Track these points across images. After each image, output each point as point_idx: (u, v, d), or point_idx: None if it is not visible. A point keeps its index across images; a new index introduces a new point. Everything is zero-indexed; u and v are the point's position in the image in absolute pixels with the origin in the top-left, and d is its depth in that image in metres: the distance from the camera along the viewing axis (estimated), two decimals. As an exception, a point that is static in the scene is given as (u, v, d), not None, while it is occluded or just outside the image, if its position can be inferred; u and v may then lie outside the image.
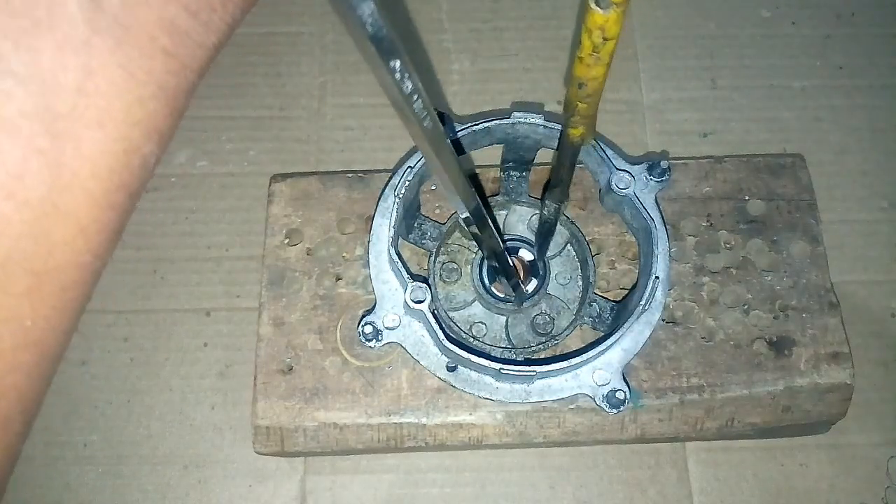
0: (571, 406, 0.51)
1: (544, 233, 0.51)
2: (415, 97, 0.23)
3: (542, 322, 0.53)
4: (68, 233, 0.21)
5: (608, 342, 0.46)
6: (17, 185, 0.19)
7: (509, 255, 0.48)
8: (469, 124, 0.50)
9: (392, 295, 0.49)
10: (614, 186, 0.49)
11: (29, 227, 0.20)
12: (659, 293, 0.48)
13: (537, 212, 0.55)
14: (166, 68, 0.21)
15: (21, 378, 0.23)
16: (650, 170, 0.49)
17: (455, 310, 0.54)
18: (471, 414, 0.51)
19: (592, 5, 0.25)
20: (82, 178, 0.21)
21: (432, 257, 0.54)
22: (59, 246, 0.21)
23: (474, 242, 0.42)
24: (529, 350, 0.52)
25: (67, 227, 0.21)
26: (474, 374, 0.48)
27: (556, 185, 0.44)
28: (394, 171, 0.50)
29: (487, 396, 0.48)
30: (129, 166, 0.22)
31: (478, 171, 0.58)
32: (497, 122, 0.50)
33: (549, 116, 0.49)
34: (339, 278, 0.55)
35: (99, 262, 0.23)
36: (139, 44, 0.20)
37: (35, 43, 0.18)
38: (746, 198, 0.56)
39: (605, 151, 0.49)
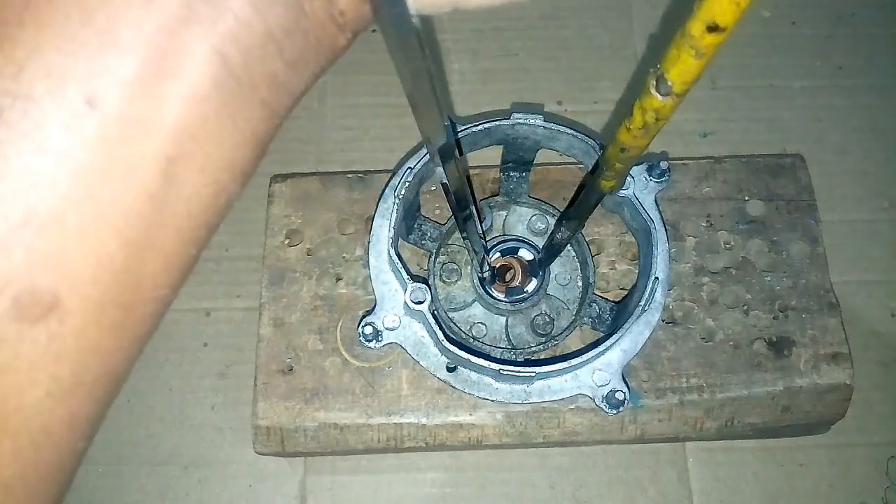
0: (571, 406, 0.51)
1: (552, 252, 0.51)
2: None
3: (541, 322, 0.53)
4: (156, 268, 0.22)
5: (608, 343, 0.46)
6: (124, 226, 0.20)
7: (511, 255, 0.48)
8: (469, 125, 0.50)
9: (392, 296, 0.49)
10: (614, 187, 0.49)
11: (126, 263, 0.21)
12: (658, 294, 0.48)
13: (537, 212, 0.56)
14: (261, 116, 0.22)
15: (95, 407, 0.23)
16: (650, 170, 0.49)
17: (455, 310, 0.54)
18: (471, 414, 0.51)
19: (652, 90, 0.26)
20: (178, 218, 0.22)
21: (432, 258, 0.54)
22: (146, 280, 0.22)
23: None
24: (529, 351, 0.52)
25: (156, 263, 0.22)
26: (474, 375, 0.48)
27: (574, 218, 0.45)
28: (394, 172, 0.50)
29: (487, 397, 0.48)
30: (216, 206, 0.23)
31: (478, 171, 0.58)
32: (497, 122, 0.50)
33: (549, 117, 0.49)
34: (339, 279, 0.55)
35: (173, 295, 0.24)
36: (245, 95, 0.21)
37: (163, 93, 0.19)
38: (746, 198, 0.56)
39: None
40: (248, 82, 0.21)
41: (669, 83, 0.25)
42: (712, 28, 0.21)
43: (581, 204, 0.43)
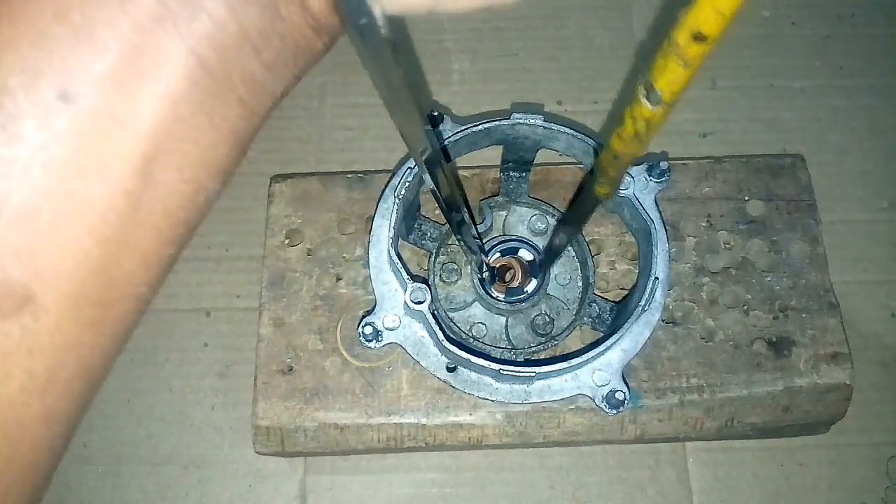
0: (571, 406, 0.51)
1: (551, 255, 0.51)
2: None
3: (541, 322, 0.53)
4: (133, 266, 0.22)
5: (608, 343, 0.46)
6: (100, 223, 0.20)
7: (511, 255, 0.48)
8: (469, 125, 0.50)
9: (392, 295, 0.49)
10: (614, 187, 0.49)
11: (102, 260, 0.21)
12: (658, 294, 0.48)
13: (537, 212, 0.56)
14: (239, 115, 0.22)
15: (72, 404, 0.23)
16: (650, 170, 0.49)
17: (455, 310, 0.54)
18: (471, 414, 0.51)
19: (642, 99, 0.26)
20: (155, 216, 0.22)
21: (432, 258, 0.54)
22: (123, 279, 0.22)
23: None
24: (529, 351, 0.52)
25: (133, 261, 0.22)
26: (474, 375, 0.48)
27: (571, 223, 0.45)
28: (394, 172, 0.50)
29: (487, 397, 0.48)
30: (195, 204, 0.23)
31: (478, 171, 0.58)
32: (497, 122, 0.50)
33: (549, 117, 0.49)
34: (339, 279, 0.55)
35: (152, 294, 0.24)
36: (222, 94, 0.21)
37: (137, 90, 0.20)
38: (746, 198, 0.56)
39: (604, 152, 0.49)
40: (225, 81, 0.21)
41: (658, 92, 0.25)
42: (698, 37, 0.21)
43: (577, 209, 0.43)
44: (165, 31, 0.19)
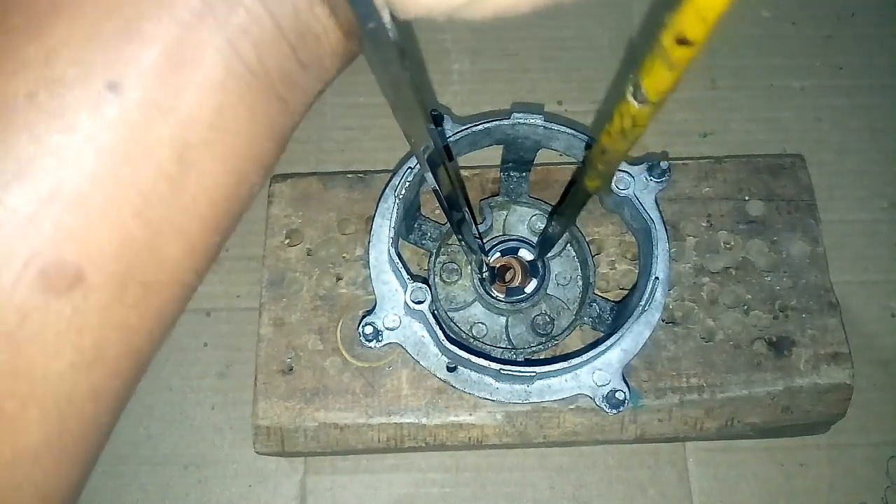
0: (571, 406, 0.51)
1: (545, 245, 0.51)
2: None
3: (541, 322, 0.53)
4: (179, 252, 0.23)
5: (608, 343, 0.46)
6: (144, 205, 0.22)
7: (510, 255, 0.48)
8: (469, 125, 0.50)
9: (392, 295, 0.49)
10: (614, 187, 0.49)
11: (147, 243, 0.22)
12: (658, 294, 0.48)
13: (537, 212, 0.56)
14: (279, 111, 0.24)
15: (119, 384, 0.25)
16: (650, 170, 0.49)
17: (455, 310, 0.54)
18: (471, 414, 0.51)
19: (629, 97, 0.26)
20: (200, 204, 0.23)
21: (432, 258, 0.54)
22: (169, 263, 0.23)
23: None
24: (529, 350, 0.52)
25: (179, 247, 0.23)
26: (474, 375, 0.48)
27: (564, 214, 0.45)
28: (394, 172, 0.50)
29: (487, 397, 0.48)
30: (239, 195, 0.24)
31: (478, 171, 0.58)
32: (497, 122, 0.50)
33: (549, 117, 0.49)
34: (339, 279, 0.55)
35: (198, 281, 0.25)
36: (262, 90, 0.22)
37: (180, 81, 0.21)
38: (746, 198, 0.56)
39: (604, 152, 0.49)
40: (264, 78, 0.22)
41: (644, 92, 0.25)
42: (682, 41, 0.22)
43: (569, 201, 0.43)
44: (205, 25, 0.21)
